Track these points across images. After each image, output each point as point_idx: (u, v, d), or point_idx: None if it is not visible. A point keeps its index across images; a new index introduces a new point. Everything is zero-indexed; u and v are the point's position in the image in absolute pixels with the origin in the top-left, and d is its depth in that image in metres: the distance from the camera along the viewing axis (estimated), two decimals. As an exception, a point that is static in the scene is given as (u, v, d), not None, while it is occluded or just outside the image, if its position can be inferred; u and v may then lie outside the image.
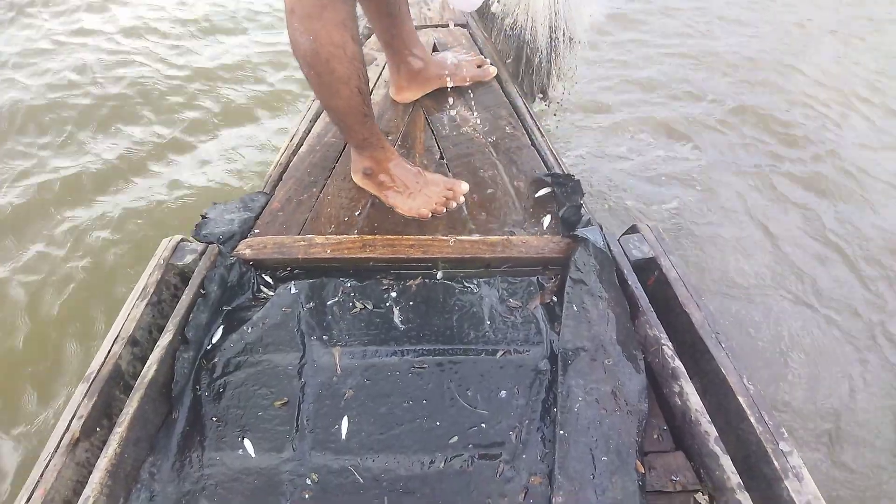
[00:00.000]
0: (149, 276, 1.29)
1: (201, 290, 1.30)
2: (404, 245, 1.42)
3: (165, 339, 1.19)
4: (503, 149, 1.78)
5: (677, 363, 1.16)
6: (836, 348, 2.24)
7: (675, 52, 3.83)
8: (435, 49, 2.16)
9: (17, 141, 3.00)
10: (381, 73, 2.10)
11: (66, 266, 2.38)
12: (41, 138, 3.03)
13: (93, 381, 1.10)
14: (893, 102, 3.51)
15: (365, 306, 1.33)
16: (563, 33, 1.96)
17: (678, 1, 4.33)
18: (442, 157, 1.76)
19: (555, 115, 2.92)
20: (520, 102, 1.95)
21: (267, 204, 1.59)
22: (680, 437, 1.14)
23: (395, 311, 1.32)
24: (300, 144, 1.80)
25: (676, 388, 1.13)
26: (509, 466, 1.08)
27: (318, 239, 1.44)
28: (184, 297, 1.27)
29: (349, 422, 1.14)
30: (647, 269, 1.37)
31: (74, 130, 3.06)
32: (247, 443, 1.11)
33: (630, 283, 1.32)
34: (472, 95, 1.97)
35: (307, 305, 1.32)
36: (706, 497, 1.04)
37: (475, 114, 1.90)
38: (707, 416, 1.07)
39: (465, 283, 1.38)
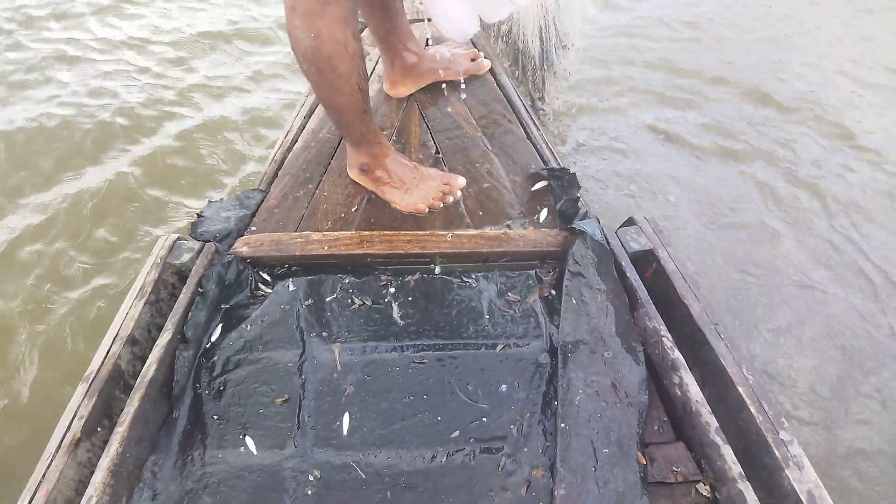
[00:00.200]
0: (146, 275, 1.28)
1: (199, 289, 1.29)
2: (402, 240, 1.42)
3: (165, 338, 1.19)
4: (499, 142, 1.78)
5: (677, 354, 1.17)
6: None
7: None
8: (428, 43, 2.16)
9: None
10: (374, 68, 2.09)
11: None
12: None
13: (92, 380, 1.10)
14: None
15: (364, 302, 1.33)
16: (555, 41, 1.95)
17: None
18: (437, 152, 1.76)
19: (551, 117, 2.93)
20: (514, 95, 1.94)
21: (263, 201, 1.58)
22: (680, 429, 1.14)
23: (394, 306, 1.32)
24: (295, 141, 1.80)
25: (676, 380, 1.14)
26: (511, 460, 1.08)
27: (315, 235, 1.44)
28: (182, 295, 1.27)
29: (350, 418, 1.14)
30: (645, 261, 1.37)
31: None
32: (248, 440, 1.11)
33: (628, 275, 1.32)
34: (466, 89, 1.97)
35: (306, 302, 1.32)
36: (707, 487, 1.05)
37: (469, 108, 1.89)
38: (707, 407, 1.08)
39: (464, 278, 1.38)
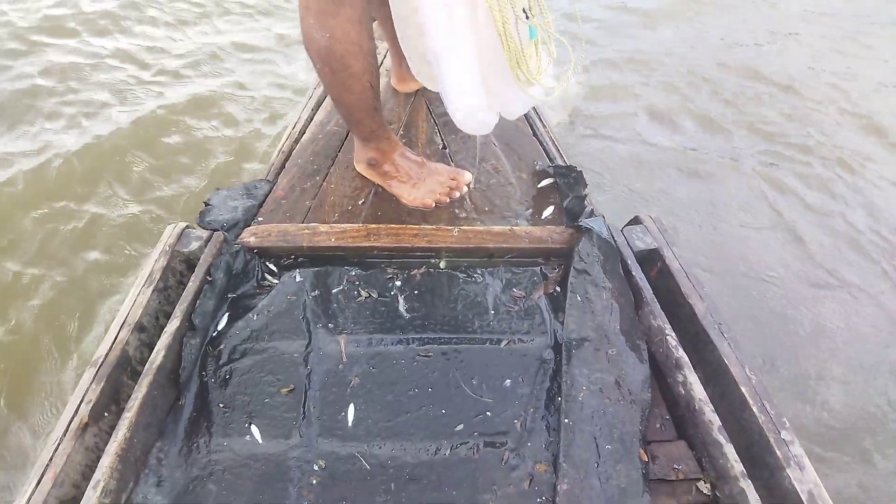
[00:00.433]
0: (154, 263, 1.29)
1: (208, 277, 1.30)
2: (408, 234, 1.43)
3: (173, 326, 1.19)
4: (505, 139, 1.79)
5: (681, 353, 1.18)
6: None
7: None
8: (436, 38, 2.16)
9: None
10: (382, 62, 2.10)
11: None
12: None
13: (100, 366, 1.10)
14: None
15: (370, 295, 1.34)
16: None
17: None
18: (444, 147, 1.77)
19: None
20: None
21: (270, 192, 1.59)
22: (682, 427, 1.15)
23: (400, 299, 1.33)
24: (302, 132, 1.80)
25: (680, 378, 1.15)
26: (514, 454, 1.09)
27: (323, 227, 1.44)
28: (190, 283, 1.28)
29: (355, 409, 1.15)
30: (650, 259, 1.38)
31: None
32: (254, 429, 1.11)
33: (634, 273, 1.33)
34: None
35: (312, 293, 1.32)
36: (708, 485, 1.06)
37: None
38: (710, 406, 1.09)
39: (469, 273, 1.39)
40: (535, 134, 1.81)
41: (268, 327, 1.26)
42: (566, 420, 1.10)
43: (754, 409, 1.05)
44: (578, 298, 1.28)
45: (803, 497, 0.94)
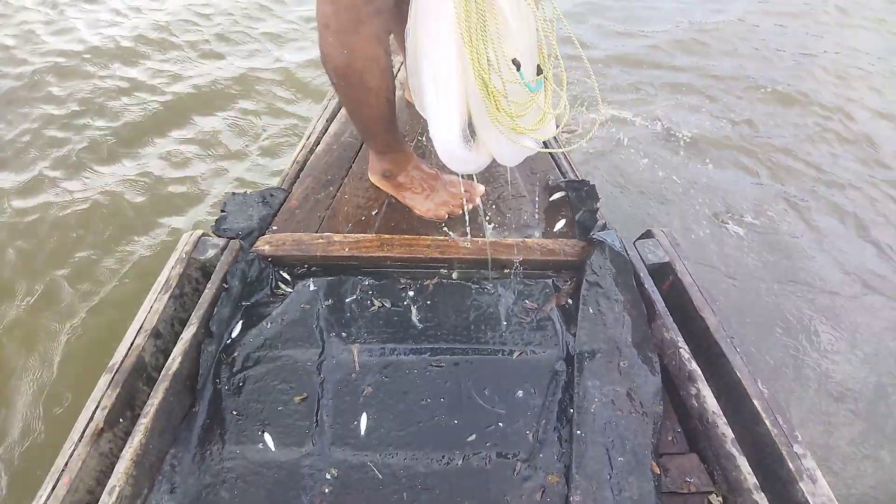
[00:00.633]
0: (171, 270, 1.30)
1: (224, 285, 1.31)
2: (421, 245, 1.44)
3: (189, 332, 1.20)
4: (518, 152, 1.80)
5: (694, 366, 1.18)
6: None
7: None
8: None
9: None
10: (396, 75, 2.11)
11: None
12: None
13: (116, 372, 1.11)
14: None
15: (383, 304, 1.34)
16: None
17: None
18: (457, 159, 1.78)
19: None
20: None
21: (285, 200, 1.60)
22: (694, 440, 1.15)
23: (413, 309, 1.34)
24: (317, 143, 1.82)
25: (693, 391, 1.15)
26: (526, 465, 1.09)
27: (337, 237, 1.45)
28: (206, 290, 1.29)
29: (368, 418, 1.15)
30: (662, 273, 1.38)
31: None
32: (267, 437, 1.12)
33: (646, 286, 1.33)
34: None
35: (326, 302, 1.33)
36: (720, 499, 1.06)
37: None
38: (724, 419, 1.09)
39: (482, 284, 1.40)
40: (547, 148, 1.82)
41: (281, 335, 1.27)
42: (578, 432, 1.10)
43: (767, 423, 1.05)
44: (591, 311, 1.29)
45: (817, 511, 0.94)
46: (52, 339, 2.04)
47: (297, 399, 1.17)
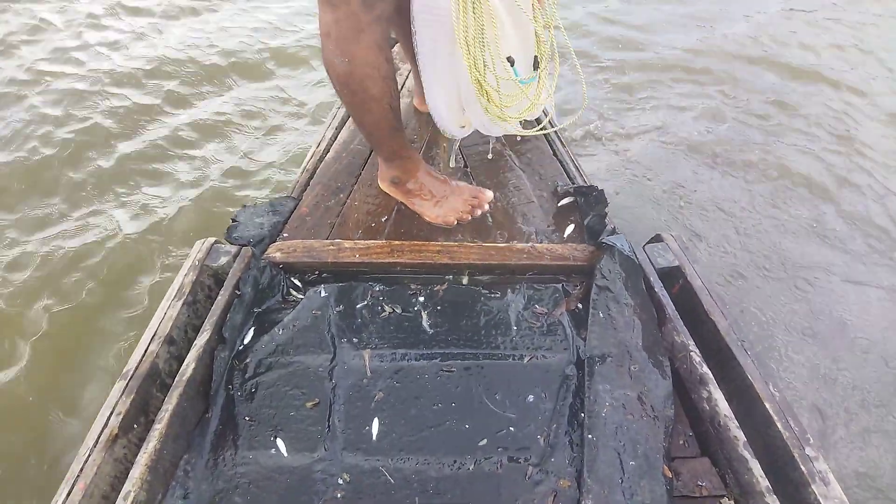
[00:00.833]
0: (184, 277, 1.31)
1: (237, 291, 1.32)
2: (431, 251, 1.45)
3: (203, 339, 1.21)
4: (526, 158, 1.81)
5: (705, 369, 1.18)
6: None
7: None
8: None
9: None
10: (404, 83, 2.13)
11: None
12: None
13: (130, 378, 1.12)
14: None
15: (393, 310, 1.35)
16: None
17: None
18: (466, 166, 1.79)
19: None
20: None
21: (295, 208, 1.61)
22: (705, 443, 1.15)
23: (423, 315, 1.35)
24: (326, 151, 1.83)
25: (705, 394, 1.15)
26: (538, 470, 1.09)
27: (347, 244, 1.46)
28: (219, 297, 1.30)
29: (380, 423, 1.16)
30: (672, 277, 1.39)
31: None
32: (279, 442, 1.13)
33: (656, 290, 1.34)
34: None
35: (337, 308, 1.34)
36: (732, 502, 1.06)
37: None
38: (735, 422, 1.09)
39: (492, 289, 1.40)
40: (555, 153, 1.83)
41: (293, 341, 1.27)
42: (589, 436, 1.11)
43: (779, 426, 1.05)
44: (601, 315, 1.29)
45: (830, 514, 0.94)
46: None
47: (308, 405, 1.18)
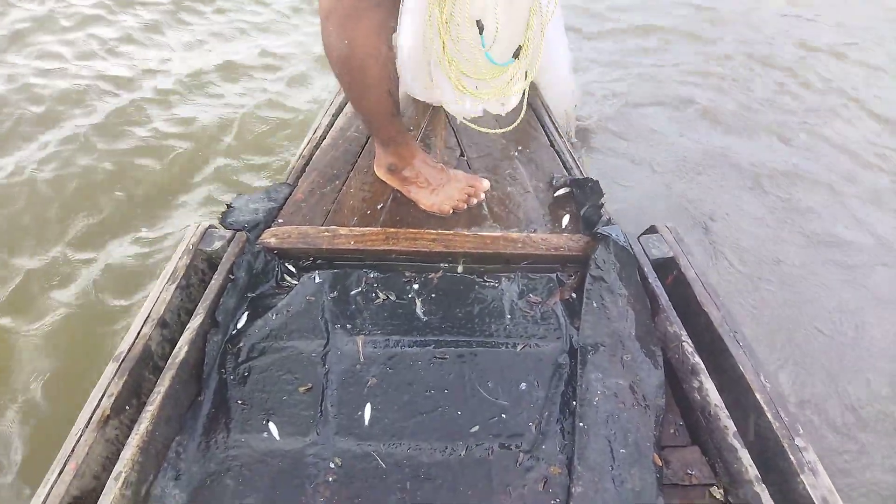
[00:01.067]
0: (178, 261, 1.31)
1: (230, 276, 1.32)
2: (426, 239, 1.45)
3: (196, 322, 1.21)
4: (523, 147, 1.80)
5: (697, 359, 1.18)
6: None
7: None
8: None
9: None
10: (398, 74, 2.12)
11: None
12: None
13: (123, 360, 1.12)
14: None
15: (388, 297, 1.35)
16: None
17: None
18: (462, 154, 1.79)
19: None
20: (538, 103, 1.97)
21: (290, 195, 1.61)
22: (696, 432, 1.16)
23: (417, 302, 1.35)
24: (323, 137, 1.83)
25: (696, 384, 1.15)
26: (529, 456, 1.10)
27: (342, 230, 1.46)
28: (213, 281, 1.30)
29: (372, 409, 1.16)
30: (666, 268, 1.39)
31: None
32: (271, 426, 1.13)
33: (650, 280, 1.34)
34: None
35: (331, 295, 1.34)
36: (721, 491, 1.07)
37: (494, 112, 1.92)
38: (726, 411, 1.09)
39: (486, 278, 1.41)
40: (552, 144, 1.83)
41: (286, 327, 1.28)
42: (581, 424, 1.11)
43: (769, 416, 1.06)
44: (594, 305, 1.29)
45: (817, 502, 0.94)
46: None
47: (301, 389, 1.18)
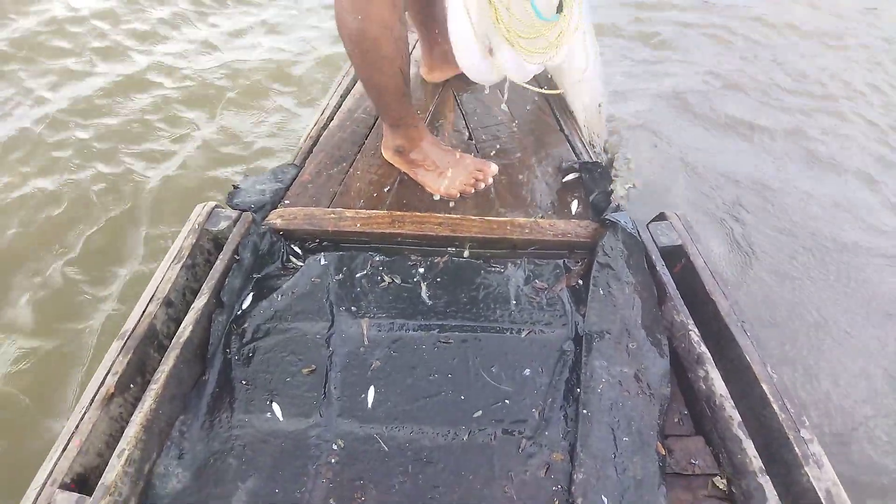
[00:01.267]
0: (184, 240, 1.31)
1: (236, 256, 1.32)
2: (433, 223, 1.44)
3: (200, 302, 1.21)
4: (531, 132, 1.79)
5: (703, 349, 1.17)
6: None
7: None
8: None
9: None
10: (412, 52, 2.10)
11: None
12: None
13: (128, 338, 1.12)
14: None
15: (393, 280, 1.35)
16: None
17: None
18: (470, 138, 1.78)
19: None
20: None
21: (297, 176, 1.60)
22: (700, 422, 1.15)
23: (423, 286, 1.34)
24: (330, 119, 1.82)
25: (701, 374, 1.15)
26: (531, 442, 1.09)
27: (348, 212, 1.46)
28: (218, 262, 1.30)
29: (376, 391, 1.16)
30: (674, 256, 1.38)
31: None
32: (275, 407, 1.13)
33: (658, 268, 1.33)
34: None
35: (336, 277, 1.34)
36: (724, 481, 1.06)
37: (504, 96, 1.90)
38: (731, 402, 1.09)
39: (492, 263, 1.40)
40: (561, 129, 1.81)
41: (291, 308, 1.27)
42: (584, 411, 1.10)
43: (775, 407, 1.05)
44: (601, 292, 1.29)
45: (821, 495, 0.94)
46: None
47: (305, 371, 1.18)
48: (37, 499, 0.92)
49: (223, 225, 1.36)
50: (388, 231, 1.42)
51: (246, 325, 1.25)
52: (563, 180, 1.62)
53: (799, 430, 1.02)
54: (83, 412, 1.03)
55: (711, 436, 1.11)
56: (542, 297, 1.33)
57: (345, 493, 1.02)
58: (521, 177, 1.64)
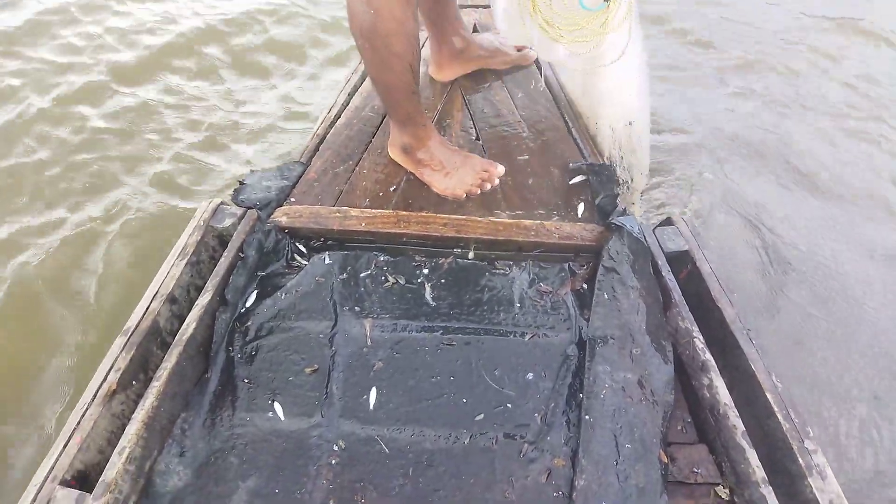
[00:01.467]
0: (188, 237, 1.31)
1: (240, 254, 1.32)
2: (438, 223, 1.44)
3: (204, 299, 1.21)
4: (539, 134, 1.78)
5: (708, 356, 1.17)
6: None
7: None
8: (475, 30, 2.16)
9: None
10: (421, 50, 2.10)
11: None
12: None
13: (131, 335, 1.13)
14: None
15: (397, 281, 1.34)
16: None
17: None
18: (478, 139, 1.77)
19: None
20: (558, 89, 1.94)
21: (303, 174, 1.60)
22: (703, 431, 1.14)
23: (427, 287, 1.34)
24: (338, 116, 1.82)
25: (706, 381, 1.14)
26: (533, 447, 1.09)
27: (354, 212, 1.45)
28: (223, 259, 1.30)
29: (378, 392, 1.16)
30: (681, 261, 1.37)
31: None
32: (277, 406, 1.13)
33: (664, 274, 1.32)
34: (510, 78, 1.97)
35: (340, 276, 1.33)
36: (727, 491, 1.05)
37: (513, 97, 1.89)
38: (735, 410, 1.08)
39: (497, 265, 1.39)
40: (569, 131, 1.80)
41: (295, 307, 1.27)
42: (587, 417, 1.10)
43: (779, 417, 1.04)
44: (605, 296, 1.28)
45: (824, 507, 0.93)
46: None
47: (308, 370, 1.18)
48: (37, 495, 0.92)
49: (228, 222, 1.36)
50: (393, 231, 1.42)
51: (249, 324, 1.25)
52: (570, 182, 1.61)
53: (803, 441, 1.01)
54: (85, 408, 1.03)
55: (715, 444, 1.10)
56: (547, 301, 1.32)
57: (345, 494, 1.02)
58: (527, 178, 1.63)
